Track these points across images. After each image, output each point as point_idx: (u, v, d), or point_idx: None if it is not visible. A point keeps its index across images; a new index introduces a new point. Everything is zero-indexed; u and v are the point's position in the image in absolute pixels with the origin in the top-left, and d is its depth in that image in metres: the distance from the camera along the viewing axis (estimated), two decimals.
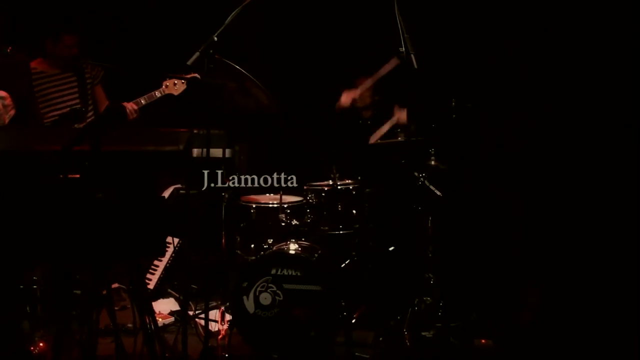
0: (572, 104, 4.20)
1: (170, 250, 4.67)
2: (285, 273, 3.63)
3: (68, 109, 4.22)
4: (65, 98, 4.29)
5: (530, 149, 4.26)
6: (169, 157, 2.57)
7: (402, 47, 3.30)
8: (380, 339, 3.81)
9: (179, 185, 4.66)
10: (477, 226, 4.33)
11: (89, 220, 2.41)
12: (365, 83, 4.36)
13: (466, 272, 4.28)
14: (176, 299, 4.61)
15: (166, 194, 4.64)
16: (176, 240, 4.42)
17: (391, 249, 4.22)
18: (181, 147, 2.58)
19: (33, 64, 4.20)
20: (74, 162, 2.42)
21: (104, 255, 2.46)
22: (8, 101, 3.10)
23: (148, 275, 4.68)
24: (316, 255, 3.78)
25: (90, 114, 4.43)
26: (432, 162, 3.98)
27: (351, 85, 4.51)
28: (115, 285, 4.49)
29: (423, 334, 3.75)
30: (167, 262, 4.71)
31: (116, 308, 4.39)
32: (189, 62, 3.20)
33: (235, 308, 3.70)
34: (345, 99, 4.47)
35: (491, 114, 4.24)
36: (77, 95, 4.31)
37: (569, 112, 4.21)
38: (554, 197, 4.23)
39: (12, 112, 3.13)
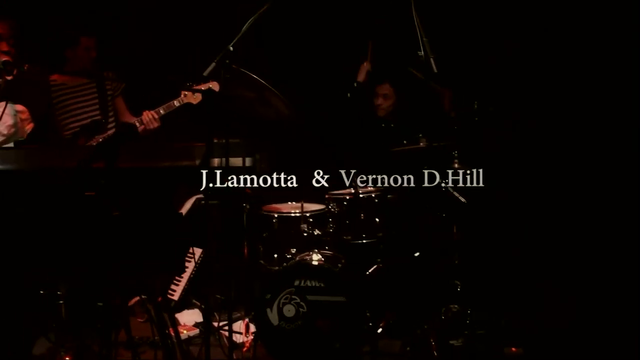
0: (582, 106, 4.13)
1: (193, 261, 4.65)
2: (309, 284, 3.59)
3: (89, 120, 4.24)
4: (85, 109, 4.31)
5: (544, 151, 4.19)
6: (185, 173, 2.54)
7: (421, 50, 3.24)
8: (407, 348, 3.74)
9: (200, 196, 4.64)
10: (504, 230, 4.24)
11: (106, 237, 2.40)
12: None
13: (494, 278, 4.19)
14: (201, 310, 4.60)
15: (188, 204, 4.63)
16: (200, 250, 4.41)
17: (417, 254, 4.15)
18: (197, 161, 2.55)
19: (53, 77, 4.24)
20: (90, 179, 2.40)
21: (120, 273, 2.44)
22: (25, 115, 3.14)
23: (172, 287, 4.66)
24: (339, 265, 3.73)
25: (110, 125, 4.44)
26: (456, 166, 3.91)
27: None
28: (138, 298, 4.49)
29: (451, 342, 3.68)
30: (191, 273, 4.68)
31: (140, 320, 4.42)
32: (205, 73, 3.17)
33: (258, 320, 3.66)
34: (362, 74, 4.58)
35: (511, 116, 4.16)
36: (97, 106, 4.32)
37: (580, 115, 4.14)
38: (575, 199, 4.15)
39: (30, 126, 3.16)
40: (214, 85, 3.89)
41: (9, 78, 3.04)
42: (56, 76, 4.26)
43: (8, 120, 3.06)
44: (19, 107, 3.15)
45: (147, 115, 4.23)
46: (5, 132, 3.04)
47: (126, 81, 4.49)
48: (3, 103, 3.00)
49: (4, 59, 3.11)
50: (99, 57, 4.35)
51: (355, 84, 4.66)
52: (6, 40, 3.26)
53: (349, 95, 4.63)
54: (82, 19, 4.42)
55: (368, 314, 3.62)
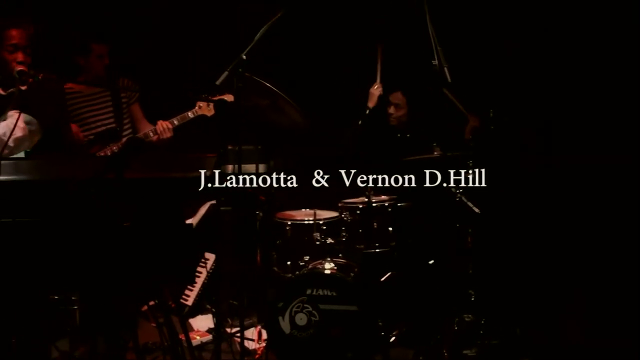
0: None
1: (208, 267, 4.67)
2: (321, 293, 3.58)
3: (103, 127, 4.27)
4: (100, 117, 4.34)
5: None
6: (195, 184, 2.55)
7: (435, 59, 3.22)
8: (420, 357, 3.72)
9: (214, 202, 4.65)
10: (518, 240, 4.20)
11: (116, 248, 2.41)
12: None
13: (508, 288, 4.15)
14: (214, 316, 4.61)
15: (202, 210, 4.65)
16: (214, 256, 4.42)
17: (431, 262, 4.13)
18: (208, 172, 2.55)
19: (68, 85, 4.28)
20: (101, 190, 2.42)
21: (129, 282, 2.46)
22: (33, 127, 3.14)
23: (186, 292, 4.68)
24: (352, 274, 3.72)
25: (126, 132, 4.47)
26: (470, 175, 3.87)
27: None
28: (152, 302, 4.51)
29: (464, 352, 3.65)
30: (205, 279, 4.71)
31: (154, 325, 4.45)
32: (217, 82, 3.18)
33: (270, 328, 3.66)
34: (372, 99, 4.51)
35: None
36: (112, 114, 4.35)
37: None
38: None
39: (36, 138, 3.16)
40: (228, 97, 3.90)
41: (23, 88, 3.05)
42: (71, 85, 4.30)
43: (18, 132, 3.06)
44: (27, 118, 3.12)
45: (162, 126, 4.25)
46: (12, 144, 3.04)
47: (142, 88, 4.52)
48: (17, 113, 3.01)
49: (19, 68, 3.13)
50: (114, 65, 4.38)
51: (367, 111, 4.59)
52: (22, 49, 3.23)
53: (360, 122, 4.58)
54: (93, 26, 4.44)
55: (380, 323, 3.60)
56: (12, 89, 3.12)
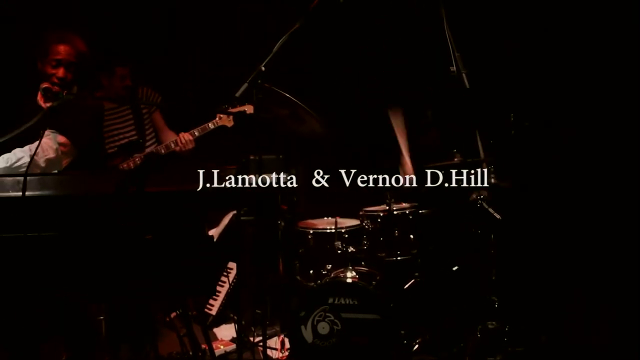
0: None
1: (232, 276, 4.70)
2: (343, 302, 3.58)
3: (126, 140, 4.34)
4: (122, 130, 4.42)
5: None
6: (216, 195, 2.58)
7: (453, 66, 3.22)
8: None
9: (237, 212, 4.69)
10: (542, 245, 4.15)
11: (138, 261, 2.45)
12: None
13: (533, 293, 4.10)
14: (236, 325, 4.64)
15: (225, 220, 4.69)
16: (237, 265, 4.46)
17: (455, 268, 4.11)
18: (224, 184, 2.58)
19: None
20: (123, 204, 2.46)
21: (151, 294, 2.49)
22: (66, 149, 3.16)
23: (210, 301, 4.71)
24: (374, 282, 3.72)
25: (150, 142, 4.53)
26: (492, 181, 3.85)
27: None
28: (174, 314, 4.56)
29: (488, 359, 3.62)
30: (229, 288, 4.74)
31: (181, 334, 4.49)
32: (237, 94, 3.20)
33: (293, 337, 3.67)
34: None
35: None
36: (133, 126, 4.42)
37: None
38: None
39: (67, 161, 3.18)
40: (248, 108, 3.94)
41: (48, 105, 3.09)
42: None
43: (50, 152, 3.09)
44: (61, 140, 3.16)
45: (183, 138, 4.30)
46: (43, 165, 3.07)
47: (163, 97, 4.57)
48: (47, 131, 3.04)
49: (44, 85, 3.17)
50: (135, 74, 4.45)
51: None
52: (65, 65, 3.21)
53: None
54: (117, 47, 4.50)
55: (403, 332, 3.59)
56: (51, 104, 3.11)
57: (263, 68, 3.18)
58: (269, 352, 3.64)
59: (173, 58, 5.12)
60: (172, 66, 5.10)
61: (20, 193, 2.39)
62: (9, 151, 3.01)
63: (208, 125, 4.33)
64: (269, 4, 5.03)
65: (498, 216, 3.50)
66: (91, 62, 3.31)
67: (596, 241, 4.05)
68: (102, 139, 4.20)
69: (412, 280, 3.93)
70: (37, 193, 2.43)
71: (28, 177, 2.42)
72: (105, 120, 4.37)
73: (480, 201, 3.68)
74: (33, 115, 2.68)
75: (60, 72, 3.19)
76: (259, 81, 3.18)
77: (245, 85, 3.18)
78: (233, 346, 4.34)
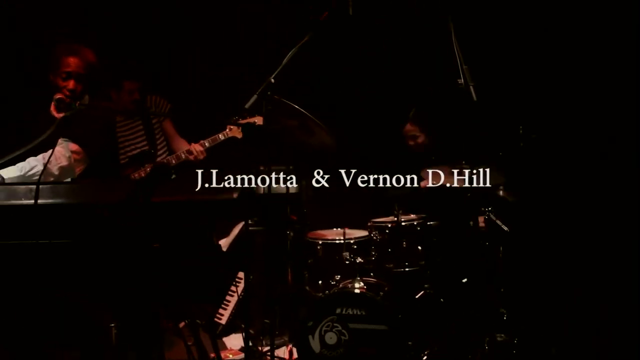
0: None
1: (242, 285, 4.73)
2: (351, 312, 3.59)
3: (137, 150, 4.39)
4: (133, 141, 4.48)
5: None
6: (223, 206, 2.61)
7: (460, 78, 3.23)
8: None
9: (247, 222, 4.72)
10: (551, 257, 4.14)
11: (146, 269, 2.48)
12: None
13: (542, 306, 4.09)
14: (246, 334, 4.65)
15: (235, 230, 4.72)
16: (248, 275, 4.47)
17: (464, 280, 4.10)
18: (235, 195, 2.61)
19: None
20: (131, 213, 2.49)
21: (159, 303, 2.52)
22: (79, 157, 3.21)
23: (220, 311, 4.74)
24: (382, 293, 3.72)
25: (161, 150, 4.59)
26: (501, 193, 3.86)
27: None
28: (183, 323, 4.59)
29: None
30: (239, 297, 4.76)
31: (190, 343, 4.51)
32: (246, 106, 3.23)
33: (300, 347, 3.69)
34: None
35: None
36: (144, 137, 4.48)
37: None
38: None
39: (80, 168, 3.23)
40: (258, 120, 3.98)
41: (59, 115, 3.14)
42: None
43: (62, 160, 3.14)
44: (74, 147, 3.20)
45: (194, 148, 4.35)
46: (56, 172, 3.12)
47: (173, 105, 4.62)
48: (60, 140, 3.10)
49: (57, 96, 3.23)
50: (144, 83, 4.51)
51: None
52: (75, 77, 3.25)
53: None
54: (125, 61, 4.56)
55: (410, 343, 3.59)
56: (64, 114, 3.14)
57: (272, 80, 3.22)
58: None
59: (175, 60, 5.15)
60: (174, 69, 5.14)
61: (33, 201, 2.43)
62: (24, 160, 3.06)
63: (218, 136, 4.37)
64: (269, 4, 5.06)
65: (506, 228, 3.51)
66: (101, 72, 3.36)
67: (605, 253, 4.04)
68: (114, 146, 4.27)
69: (422, 292, 3.93)
70: (49, 201, 2.48)
71: (40, 185, 2.47)
72: (116, 132, 4.45)
73: (488, 213, 3.69)
74: (47, 126, 2.73)
75: (71, 84, 3.26)
76: (269, 93, 3.22)
77: (255, 97, 3.22)
78: (242, 355, 4.36)
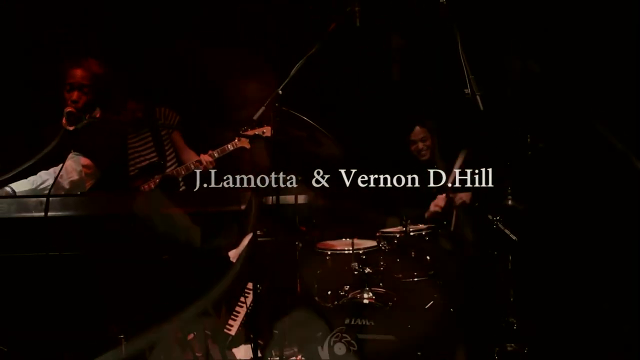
0: None
1: (251, 297, 4.73)
2: (359, 323, 3.59)
3: (147, 162, 4.43)
4: (143, 153, 4.51)
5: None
6: (231, 217, 2.63)
7: (467, 88, 3.24)
8: None
9: (258, 232, 4.72)
10: (560, 266, 4.12)
11: (154, 280, 2.50)
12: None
13: (552, 315, 4.07)
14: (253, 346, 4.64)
15: (245, 241, 4.72)
16: (257, 286, 4.48)
17: (470, 292, 4.09)
18: (243, 206, 2.63)
19: None
20: (139, 225, 2.52)
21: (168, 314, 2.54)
22: (90, 171, 3.24)
23: (230, 322, 4.74)
24: (390, 303, 3.72)
25: (170, 162, 4.61)
26: (509, 202, 3.86)
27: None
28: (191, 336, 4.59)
29: None
30: (249, 308, 4.76)
31: (199, 354, 4.52)
32: (255, 117, 3.26)
33: (309, 358, 3.68)
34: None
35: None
36: (153, 148, 4.51)
37: None
38: None
39: (90, 183, 3.25)
40: (267, 130, 4.00)
41: (70, 128, 3.17)
42: None
43: (73, 175, 3.17)
44: (85, 162, 3.25)
45: (204, 159, 4.38)
46: (67, 187, 3.15)
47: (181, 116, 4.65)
48: (71, 154, 3.13)
49: (68, 109, 3.26)
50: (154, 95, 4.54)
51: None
52: (78, 88, 3.28)
53: None
54: (130, 82, 4.58)
55: (419, 353, 3.58)
56: (74, 126, 3.19)
57: (280, 91, 3.23)
58: None
59: (182, 70, 5.16)
60: (182, 79, 5.15)
61: (43, 213, 2.46)
62: (35, 173, 3.10)
63: (227, 146, 4.40)
64: (269, 3, 5.08)
65: (514, 237, 3.50)
66: (110, 83, 3.38)
67: (615, 261, 4.02)
68: (125, 161, 4.30)
69: (431, 302, 3.92)
70: (59, 214, 2.50)
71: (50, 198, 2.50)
72: (127, 144, 4.49)
73: (496, 222, 3.68)
74: (59, 140, 2.76)
75: (74, 95, 3.28)
76: (277, 104, 3.24)
77: (263, 108, 3.24)
78: None
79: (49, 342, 2.91)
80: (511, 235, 3.54)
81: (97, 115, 3.29)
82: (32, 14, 4.48)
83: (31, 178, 3.09)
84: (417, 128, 4.60)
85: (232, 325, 4.79)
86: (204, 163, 4.37)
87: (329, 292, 4.12)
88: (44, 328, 2.78)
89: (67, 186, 3.15)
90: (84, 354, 3.18)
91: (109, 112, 3.34)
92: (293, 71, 3.27)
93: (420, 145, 4.61)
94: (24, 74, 4.37)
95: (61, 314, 2.57)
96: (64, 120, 3.32)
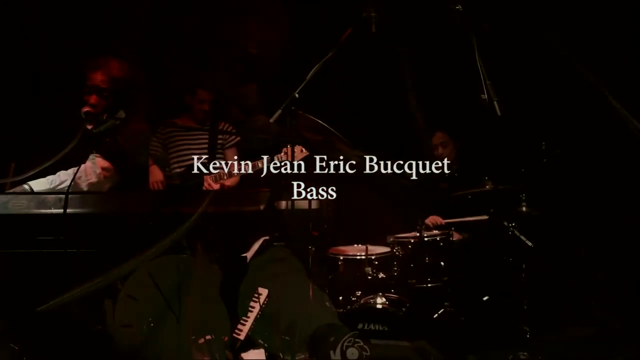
0: None
1: (260, 301, 4.71)
2: (372, 328, 3.58)
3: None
4: (194, 152, 4.53)
5: None
6: (249, 217, 2.62)
7: (484, 94, 3.24)
8: None
9: (268, 237, 4.72)
10: (574, 273, 4.10)
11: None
12: None
13: (565, 323, 4.04)
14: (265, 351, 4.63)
15: (255, 245, 4.72)
16: (266, 291, 4.47)
17: (485, 298, 4.07)
18: (262, 207, 2.62)
19: (177, 120, 4.56)
20: (161, 223, 2.52)
21: None
22: (108, 173, 3.22)
23: (239, 326, 4.72)
24: (403, 309, 3.71)
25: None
26: (524, 209, 3.85)
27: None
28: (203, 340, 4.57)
29: None
30: (258, 312, 4.74)
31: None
32: (271, 120, 3.26)
33: None
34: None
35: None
36: (206, 152, 4.54)
37: None
38: None
39: (109, 186, 3.24)
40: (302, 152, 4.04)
41: (89, 127, 3.15)
42: (179, 119, 4.59)
43: (92, 177, 3.16)
44: (104, 164, 3.23)
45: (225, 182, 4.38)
46: (85, 189, 3.13)
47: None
48: (91, 155, 3.13)
49: (85, 109, 3.24)
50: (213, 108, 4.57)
51: None
52: (97, 91, 3.21)
53: None
54: (200, 71, 4.60)
55: (432, 359, 3.56)
56: (98, 128, 3.13)
57: (297, 95, 3.24)
58: None
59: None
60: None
61: (62, 210, 2.47)
62: (54, 173, 3.10)
63: (257, 163, 4.39)
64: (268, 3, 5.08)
65: (530, 243, 3.49)
66: (136, 86, 3.36)
67: (631, 268, 4.00)
68: (145, 164, 4.32)
69: (442, 310, 3.90)
70: (77, 210, 2.51)
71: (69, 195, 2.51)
72: (181, 142, 4.52)
73: (512, 229, 3.67)
74: (80, 142, 2.75)
75: (92, 99, 3.21)
76: (293, 108, 3.24)
77: (279, 111, 3.24)
78: None
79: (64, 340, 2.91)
80: (527, 242, 3.52)
81: (122, 117, 3.22)
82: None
83: (50, 177, 3.09)
84: (438, 133, 4.62)
85: (241, 330, 4.78)
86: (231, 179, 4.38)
87: (341, 297, 4.11)
88: (60, 325, 2.79)
89: (85, 188, 3.13)
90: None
91: (132, 115, 3.31)
92: (309, 75, 3.27)
93: (441, 149, 4.62)
94: (47, 75, 4.36)
95: (79, 310, 2.57)
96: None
